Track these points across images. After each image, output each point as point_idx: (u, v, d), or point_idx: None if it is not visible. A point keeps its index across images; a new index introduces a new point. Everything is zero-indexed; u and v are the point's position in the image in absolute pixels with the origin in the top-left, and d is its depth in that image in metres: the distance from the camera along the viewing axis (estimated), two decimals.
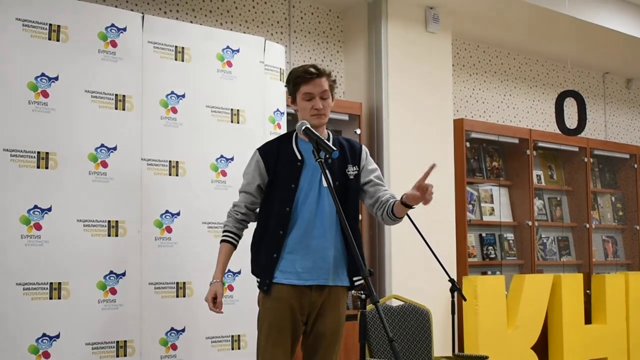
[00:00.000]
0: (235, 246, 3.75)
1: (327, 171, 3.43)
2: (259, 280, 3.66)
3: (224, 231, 3.75)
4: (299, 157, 3.67)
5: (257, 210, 3.77)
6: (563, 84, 8.42)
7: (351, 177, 3.72)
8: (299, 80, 3.67)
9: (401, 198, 3.54)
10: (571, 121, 6.43)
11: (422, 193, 3.43)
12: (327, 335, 3.63)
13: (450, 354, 5.37)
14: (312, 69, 3.66)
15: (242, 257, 3.83)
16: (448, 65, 6.67)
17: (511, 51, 7.96)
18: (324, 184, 3.59)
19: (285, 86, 3.81)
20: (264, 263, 3.62)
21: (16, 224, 3.93)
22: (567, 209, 8.08)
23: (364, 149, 3.87)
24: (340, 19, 6.56)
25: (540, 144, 7.57)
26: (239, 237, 3.77)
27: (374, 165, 3.85)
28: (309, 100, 3.65)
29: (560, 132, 6.46)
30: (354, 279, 3.68)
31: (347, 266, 3.67)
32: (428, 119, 6.42)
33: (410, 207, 3.55)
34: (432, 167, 3.32)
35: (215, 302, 3.66)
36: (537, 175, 7.73)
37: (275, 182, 3.67)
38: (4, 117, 3.94)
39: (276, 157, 3.70)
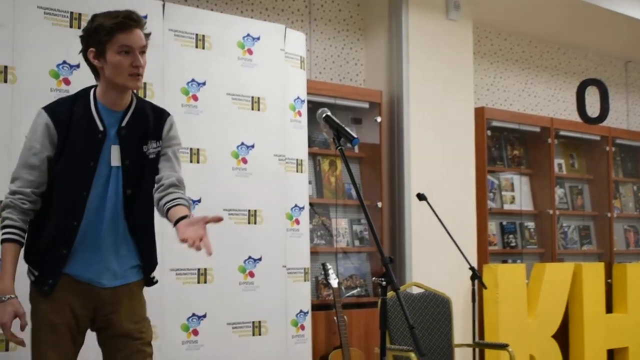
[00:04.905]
0: (22, 244, 2.95)
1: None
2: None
3: (5, 226, 2.92)
4: (100, 128, 2.97)
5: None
6: (585, 72, 8.36)
7: (151, 156, 3.05)
8: (114, 27, 2.89)
9: (175, 221, 2.89)
10: (593, 109, 6.38)
11: (190, 241, 2.71)
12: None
13: (470, 341, 5.36)
14: (133, 16, 2.93)
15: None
16: (469, 53, 6.63)
17: (532, 39, 7.91)
18: (113, 162, 2.97)
19: (82, 36, 3.00)
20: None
21: None
22: (589, 197, 8.04)
23: (170, 120, 3.14)
24: (360, 7, 6.54)
25: (561, 133, 7.52)
26: (25, 232, 2.96)
27: (176, 140, 3.15)
28: (127, 54, 2.92)
29: (582, 121, 6.43)
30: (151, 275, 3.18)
31: (141, 261, 3.14)
32: (449, 107, 6.40)
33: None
34: (217, 220, 2.82)
35: (17, 322, 2.88)
36: (558, 164, 7.69)
37: (67, 156, 2.94)
38: (26, 104, 3.97)
39: (68, 123, 2.95)
